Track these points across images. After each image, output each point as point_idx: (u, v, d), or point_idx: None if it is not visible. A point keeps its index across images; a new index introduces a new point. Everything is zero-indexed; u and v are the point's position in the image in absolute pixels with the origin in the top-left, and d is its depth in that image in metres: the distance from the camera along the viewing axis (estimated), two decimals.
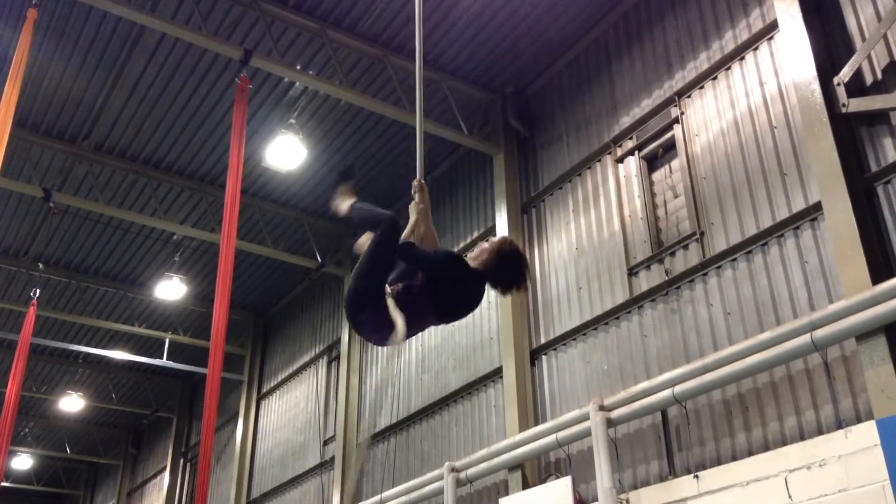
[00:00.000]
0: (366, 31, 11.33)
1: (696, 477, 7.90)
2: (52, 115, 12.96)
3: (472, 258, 4.35)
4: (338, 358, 15.64)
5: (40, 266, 16.55)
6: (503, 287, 4.39)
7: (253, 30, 11.07)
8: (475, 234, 12.53)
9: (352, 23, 11.23)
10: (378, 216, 4.32)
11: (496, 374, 11.29)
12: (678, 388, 8.13)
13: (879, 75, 7.55)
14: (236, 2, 10.70)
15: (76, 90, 12.44)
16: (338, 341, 15.73)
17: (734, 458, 7.77)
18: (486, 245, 4.38)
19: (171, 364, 19.10)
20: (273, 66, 10.97)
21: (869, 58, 7.63)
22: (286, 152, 12.63)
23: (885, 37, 7.52)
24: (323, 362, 16.35)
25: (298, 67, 11.47)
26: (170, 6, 10.66)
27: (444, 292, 4.19)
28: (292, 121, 12.48)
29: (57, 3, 10.85)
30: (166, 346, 19.09)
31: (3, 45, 11.30)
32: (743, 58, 8.97)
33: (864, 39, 7.73)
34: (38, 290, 15.67)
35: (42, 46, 11.46)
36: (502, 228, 11.65)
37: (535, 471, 10.10)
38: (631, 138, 10.19)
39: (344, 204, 4.70)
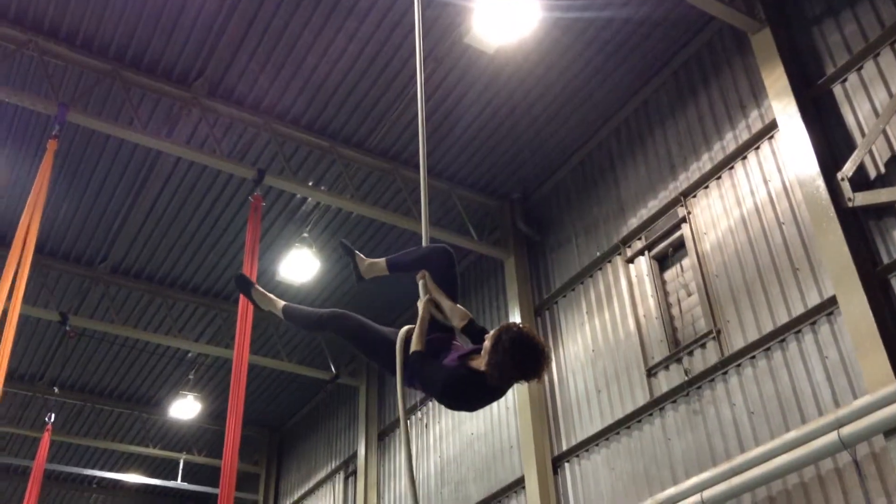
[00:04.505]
0: (374, 146, 11.65)
1: None
2: (69, 240, 13.21)
3: (480, 358, 3.97)
4: (355, 473, 15.32)
5: (55, 390, 16.49)
6: (522, 379, 3.94)
7: (265, 150, 11.39)
8: None
9: (361, 139, 11.56)
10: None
11: (518, 484, 11.01)
12: (707, 493, 7.90)
13: (882, 169, 7.66)
14: (249, 124, 11.07)
15: (93, 215, 12.73)
16: (354, 455, 15.45)
17: None
18: (488, 345, 3.90)
19: (185, 486, 18.73)
20: (286, 184, 11.24)
21: (870, 152, 7.77)
22: (300, 265, 12.80)
23: (884, 132, 7.68)
24: (340, 478, 16.01)
25: (310, 183, 11.74)
26: (185, 131, 11.02)
27: (451, 403, 4.19)
28: (305, 234, 12.69)
29: (75, 133, 11.22)
30: (181, 466, 18.77)
31: (21, 174, 11.63)
32: (745, 157, 9.13)
33: (863, 135, 7.89)
34: (52, 415, 15.57)
35: (60, 173, 11.79)
36: None
37: None
38: (640, 239, 10.27)
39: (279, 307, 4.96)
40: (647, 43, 10.16)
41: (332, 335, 4.73)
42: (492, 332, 3.96)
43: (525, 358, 3.84)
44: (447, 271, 4.46)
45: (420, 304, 4.26)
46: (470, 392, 4.01)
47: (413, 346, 4.09)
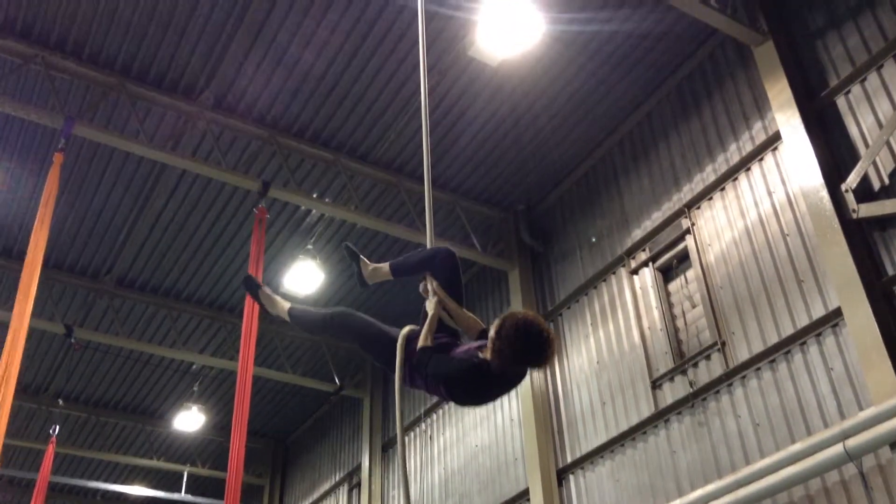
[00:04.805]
0: (379, 158, 11.68)
1: None
2: (74, 252, 13.25)
3: (487, 348, 3.92)
4: (359, 485, 15.28)
5: (60, 402, 16.50)
6: (527, 366, 3.89)
7: (270, 162, 11.42)
8: None
9: (365, 151, 11.59)
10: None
11: (523, 496, 10.98)
12: None
13: (886, 180, 7.66)
14: (254, 136, 11.11)
15: (98, 227, 12.77)
16: (358, 467, 15.41)
17: None
18: (492, 333, 3.86)
19: (189, 498, 18.68)
20: (290, 196, 11.27)
21: (874, 164, 7.77)
22: (304, 277, 12.81)
23: (887, 143, 7.68)
24: (344, 490, 15.97)
25: (315, 195, 11.78)
26: (190, 143, 11.06)
27: (459, 396, 4.13)
28: (309, 246, 12.72)
29: (81, 146, 11.26)
30: (185, 479, 18.74)
31: (27, 187, 11.68)
32: (749, 168, 9.14)
33: (867, 146, 7.90)
34: (57, 427, 15.57)
35: (66, 186, 11.83)
36: None
37: None
38: (644, 250, 10.27)
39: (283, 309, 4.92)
40: (650, 55, 10.20)
41: (338, 334, 4.69)
42: (496, 321, 3.91)
43: (528, 344, 3.77)
44: (452, 273, 4.45)
45: (429, 305, 4.24)
46: (476, 382, 3.94)
47: (421, 343, 4.07)
